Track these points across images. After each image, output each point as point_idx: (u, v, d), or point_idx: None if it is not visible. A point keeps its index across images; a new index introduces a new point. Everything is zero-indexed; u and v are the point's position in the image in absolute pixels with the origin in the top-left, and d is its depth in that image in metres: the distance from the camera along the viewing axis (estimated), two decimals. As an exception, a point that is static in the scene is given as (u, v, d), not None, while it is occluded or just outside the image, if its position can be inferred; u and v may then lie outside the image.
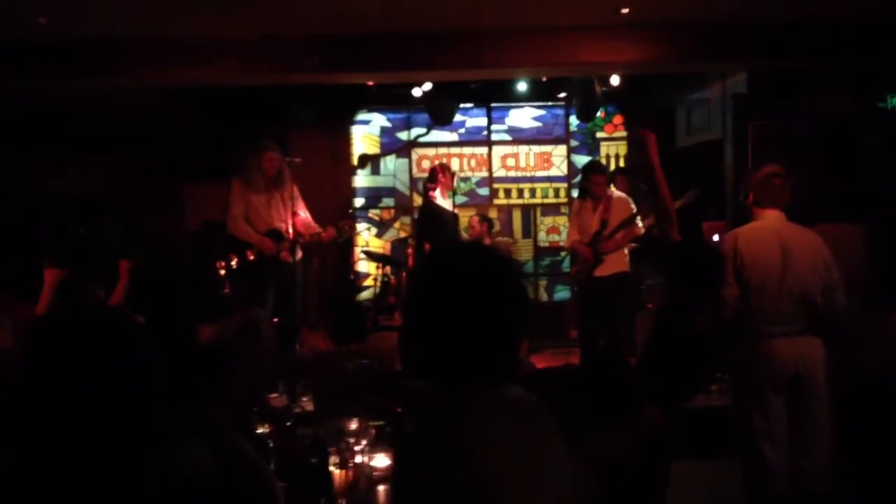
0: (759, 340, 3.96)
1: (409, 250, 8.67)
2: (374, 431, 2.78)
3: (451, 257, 1.66)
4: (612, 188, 6.96)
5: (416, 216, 8.99)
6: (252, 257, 6.47)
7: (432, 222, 7.36)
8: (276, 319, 6.67)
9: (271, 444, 2.89)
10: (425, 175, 9.81)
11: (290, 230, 6.52)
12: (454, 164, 9.76)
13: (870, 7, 6.29)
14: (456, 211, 7.51)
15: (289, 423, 3.15)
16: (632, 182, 7.88)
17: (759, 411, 3.96)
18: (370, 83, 8.39)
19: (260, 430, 2.94)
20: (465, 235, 8.73)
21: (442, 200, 7.38)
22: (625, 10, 6.15)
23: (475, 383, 1.55)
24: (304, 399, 6.29)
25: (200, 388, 2.81)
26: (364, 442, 2.73)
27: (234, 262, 6.54)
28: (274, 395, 6.33)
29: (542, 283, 10.00)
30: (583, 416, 3.35)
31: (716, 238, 7.23)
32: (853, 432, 4.13)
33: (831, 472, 3.95)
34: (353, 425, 2.72)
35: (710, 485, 4.39)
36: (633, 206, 6.63)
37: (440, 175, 7.37)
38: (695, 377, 3.73)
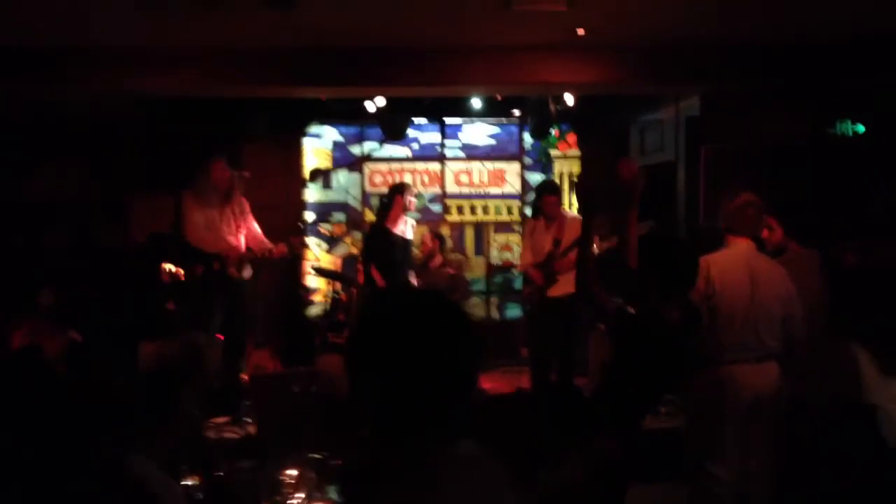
0: (721, 366, 4.02)
1: (360, 266, 8.54)
2: (313, 477, 2.64)
3: (397, 305, 1.56)
4: (566, 208, 6.94)
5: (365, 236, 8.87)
6: (200, 272, 6.30)
7: (379, 247, 7.24)
8: (221, 337, 6.52)
9: (200, 497, 2.73)
10: (378, 190, 9.78)
11: (240, 245, 6.38)
12: (407, 179, 9.68)
13: (822, 33, 6.38)
14: (409, 237, 7.37)
15: (221, 474, 2.99)
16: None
17: (715, 434, 4.02)
18: (322, 96, 8.27)
19: (188, 482, 2.77)
20: (416, 253, 8.64)
21: (397, 223, 7.24)
22: (581, 32, 6.13)
23: (425, 436, 1.46)
24: (248, 420, 6.18)
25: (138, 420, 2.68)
26: (302, 495, 2.59)
27: (180, 277, 6.38)
28: (218, 419, 6.22)
29: (494, 300, 9.94)
30: (536, 446, 3.27)
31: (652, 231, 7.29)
32: (801, 458, 4.14)
33: (776, 495, 4.00)
34: (292, 473, 2.59)
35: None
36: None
37: (398, 198, 7.20)
38: (665, 380, 3.69)
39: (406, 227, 7.30)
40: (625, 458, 3.25)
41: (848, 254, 5.10)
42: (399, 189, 7.29)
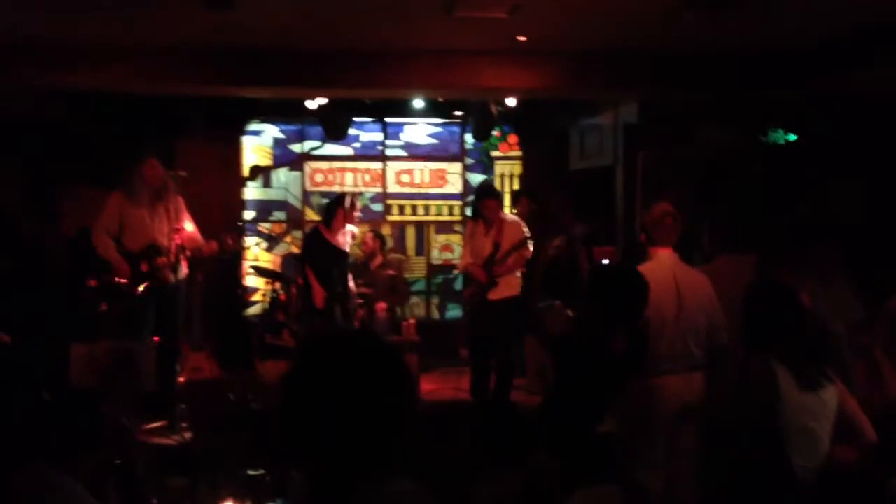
0: (651, 376, 4.04)
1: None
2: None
3: (332, 349, 1.55)
4: (505, 211, 6.98)
5: (303, 237, 8.81)
6: (122, 281, 6.18)
7: (316, 252, 7.21)
8: (156, 339, 6.40)
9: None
10: (319, 189, 9.71)
11: (173, 245, 6.26)
12: (348, 179, 9.64)
13: (755, 42, 6.52)
14: (346, 249, 7.31)
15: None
16: (531, 204, 7.99)
17: (643, 441, 4.05)
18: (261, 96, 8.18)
19: None
20: (358, 252, 8.60)
21: (336, 234, 7.17)
22: (522, 38, 6.18)
23: (360, 477, 1.46)
24: (183, 425, 6.08)
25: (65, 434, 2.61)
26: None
27: (111, 279, 6.25)
28: (152, 424, 6.11)
29: (434, 301, 9.96)
30: (474, 460, 3.30)
31: (605, 262, 7.39)
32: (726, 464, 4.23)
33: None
34: (227, 504, 2.56)
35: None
36: (525, 229, 6.67)
37: (340, 210, 7.14)
38: (605, 402, 3.74)
39: (345, 238, 7.26)
40: (564, 474, 3.28)
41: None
42: (341, 201, 7.24)
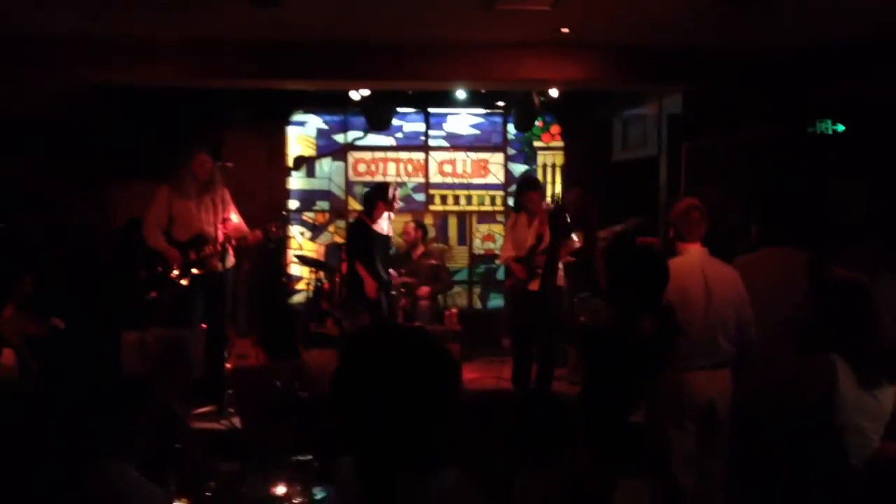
0: (678, 371, 4.04)
1: (343, 255, 8.57)
2: (304, 500, 2.69)
3: (380, 343, 1.60)
4: (548, 202, 7.00)
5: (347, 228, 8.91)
6: (160, 269, 6.34)
7: (361, 243, 7.36)
8: (204, 326, 6.54)
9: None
10: (362, 179, 9.80)
11: (219, 235, 6.39)
12: (391, 169, 9.69)
13: (801, 37, 6.44)
14: (389, 232, 7.46)
15: (209, 494, 3.02)
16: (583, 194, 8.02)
17: (673, 436, 4.08)
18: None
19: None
20: (400, 242, 8.68)
21: (379, 221, 7.34)
22: (565, 30, 6.17)
23: (408, 469, 1.51)
24: (231, 411, 6.22)
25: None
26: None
27: (159, 268, 6.39)
28: (201, 409, 6.26)
29: (476, 290, 10.01)
30: (513, 454, 3.34)
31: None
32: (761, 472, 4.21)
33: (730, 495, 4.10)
34: (281, 490, 2.64)
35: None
36: (568, 220, 6.66)
37: (381, 203, 7.29)
38: (636, 389, 3.76)
39: (387, 224, 7.40)
40: (601, 470, 3.30)
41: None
42: (382, 191, 7.38)
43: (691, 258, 4.20)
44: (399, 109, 9.32)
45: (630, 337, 3.57)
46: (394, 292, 7.63)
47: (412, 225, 8.61)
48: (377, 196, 7.38)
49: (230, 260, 6.56)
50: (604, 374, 3.62)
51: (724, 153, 7.30)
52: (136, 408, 2.70)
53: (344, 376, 1.57)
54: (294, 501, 2.72)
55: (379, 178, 9.70)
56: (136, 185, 8.03)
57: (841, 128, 7.26)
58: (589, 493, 3.13)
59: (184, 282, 6.32)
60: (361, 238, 7.37)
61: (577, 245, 6.81)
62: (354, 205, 9.79)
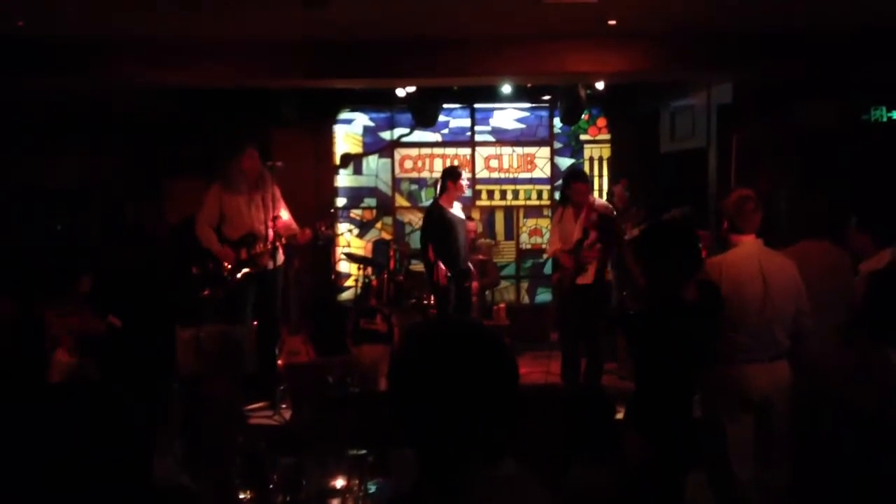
0: (733, 364, 4.00)
1: (391, 252, 8.63)
2: (360, 492, 2.72)
3: (438, 336, 1.62)
4: (595, 196, 6.96)
5: (408, 218, 8.93)
6: (212, 266, 6.44)
7: (437, 229, 7.27)
8: (255, 323, 6.65)
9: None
10: (408, 175, 9.86)
11: (270, 233, 6.48)
12: (437, 165, 9.71)
13: (855, 19, 6.30)
14: (463, 216, 7.46)
15: (271, 486, 3.08)
16: (630, 187, 7.95)
17: (728, 428, 4.02)
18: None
19: (242, 496, 2.88)
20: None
21: (452, 207, 7.31)
22: (612, 22, 6.12)
23: (467, 459, 1.53)
24: (283, 406, 6.32)
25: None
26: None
27: (212, 266, 6.50)
28: (254, 404, 6.37)
29: (524, 285, 10.00)
30: (567, 445, 3.35)
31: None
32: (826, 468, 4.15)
33: (793, 486, 4.03)
34: (340, 483, 2.68)
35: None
36: (612, 214, 6.62)
37: (450, 183, 7.25)
38: (688, 376, 3.73)
39: (459, 210, 7.39)
40: (662, 457, 3.29)
41: None
42: (452, 173, 7.34)
43: (747, 250, 4.12)
44: (445, 105, 9.34)
45: (673, 308, 3.53)
46: (466, 284, 7.55)
47: (473, 224, 8.62)
48: (448, 176, 7.33)
49: (280, 258, 6.65)
50: (652, 363, 3.60)
51: (775, 142, 7.19)
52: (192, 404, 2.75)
53: (403, 369, 1.59)
54: (352, 493, 2.75)
55: (426, 175, 9.74)
56: (188, 182, 8.19)
57: (896, 115, 7.12)
58: (655, 486, 3.12)
59: (236, 279, 6.42)
60: (436, 222, 7.30)
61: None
62: (401, 201, 9.85)
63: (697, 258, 3.73)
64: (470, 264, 7.62)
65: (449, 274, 7.16)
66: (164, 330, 6.53)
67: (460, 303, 7.34)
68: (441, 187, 7.37)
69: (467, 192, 9.73)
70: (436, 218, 7.33)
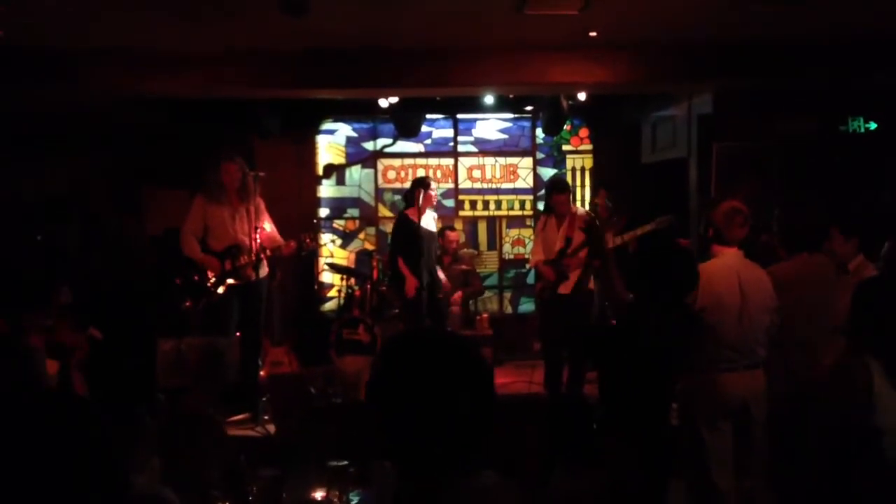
0: (709, 372, 4.02)
1: (374, 262, 8.61)
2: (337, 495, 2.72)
3: (417, 347, 1.63)
4: (577, 205, 6.98)
5: (391, 228, 8.87)
6: (196, 278, 6.40)
7: (405, 239, 7.13)
8: (238, 334, 6.61)
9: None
10: (391, 186, 9.86)
11: (254, 244, 6.44)
12: (420, 175, 9.70)
13: (835, 31, 6.38)
14: (435, 230, 7.38)
15: (251, 498, 3.06)
16: (611, 197, 7.96)
17: (706, 436, 4.03)
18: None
19: None
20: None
21: (423, 217, 7.07)
22: (593, 34, 6.17)
23: (446, 469, 1.53)
24: (266, 418, 6.28)
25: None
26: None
27: (195, 277, 6.46)
28: (236, 416, 6.33)
29: (507, 295, 10.01)
30: (549, 453, 3.36)
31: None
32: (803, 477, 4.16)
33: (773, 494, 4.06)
34: (320, 494, 2.67)
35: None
36: (597, 223, 6.64)
37: (419, 193, 7.02)
38: (666, 387, 3.73)
39: (430, 221, 7.26)
40: (643, 464, 3.29)
41: (762, 235, 5.00)
42: (422, 183, 7.16)
43: (728, 262, 4.15)
44: (428, 116, 9.37)
45: (647, 336, 3.53)
46: (440, 295, 7.47)
47: (455, 234, 8.61)
48: (417, 186, 7.14)
49: (264, 269, 6.62)
50: (614, 377, 3.59)
51: (755, 153, 7.25)
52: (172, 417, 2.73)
53: (381, 381, 1.59)
54: (333, 505, 2.74)
55: (409, 185, 9.74)
56: (170, 193, 8.15)
57: (873, 125, 7.20)
58: (636, 494, 3.13)
59: (219, 291, 6.39)
60: (404, 233, 7.17)
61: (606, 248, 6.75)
62: (384, 212, 9.85)
63: (686, 291, 3.73)
64: (442, 275, 7.56)
65: (418, 285, 7.10)
66: (145, 341, 6.48)
67: (434, 314, 7.24)
68: (410, 198, 7.26)
69: (450, 202, 9.82)
70: (404, 229, 7.21)
